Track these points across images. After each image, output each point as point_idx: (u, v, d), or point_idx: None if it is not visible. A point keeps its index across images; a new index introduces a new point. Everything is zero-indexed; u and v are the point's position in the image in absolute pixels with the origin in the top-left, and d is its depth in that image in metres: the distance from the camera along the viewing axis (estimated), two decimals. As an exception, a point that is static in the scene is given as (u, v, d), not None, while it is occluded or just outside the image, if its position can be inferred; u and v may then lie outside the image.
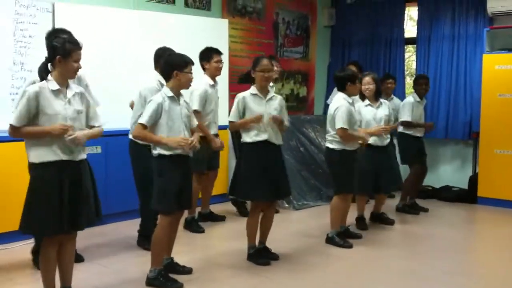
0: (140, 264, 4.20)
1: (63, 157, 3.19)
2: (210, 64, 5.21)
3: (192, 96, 4.99)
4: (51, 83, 3.20)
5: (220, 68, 5.31)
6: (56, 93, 3.19)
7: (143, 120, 3.70)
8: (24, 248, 4.54)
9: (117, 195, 5.29)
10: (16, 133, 3.20)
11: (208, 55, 5.23)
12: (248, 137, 4.27)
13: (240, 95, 4.28)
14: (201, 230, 5.29)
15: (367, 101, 5.30)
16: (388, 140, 5.48)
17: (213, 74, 5.27)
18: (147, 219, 4.64)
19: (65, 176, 3.20)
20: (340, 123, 4.71)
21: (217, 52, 5.28)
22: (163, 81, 4.24)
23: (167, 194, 3.74)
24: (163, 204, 3.78)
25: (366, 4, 8.17)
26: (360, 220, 5.52)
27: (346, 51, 8.42)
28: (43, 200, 3.15)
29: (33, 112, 3.14)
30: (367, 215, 5.62)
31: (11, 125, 3.18)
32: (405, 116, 6.13)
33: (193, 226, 5.31)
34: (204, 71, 5.26)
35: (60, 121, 3.17)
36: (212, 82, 5.25)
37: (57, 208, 3.16)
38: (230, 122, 4.33)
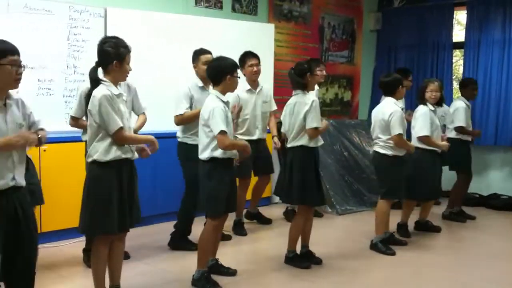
0: (184, 264, 4.28)
1: (124, 156, 3.28)
2: (245, 69, 5.19)
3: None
4: (112, 88, 3.27)
5: (256, 72, 5.22)
6: (118, 97, 3.29)
7: (223, 127, 3.63)
8: (74, 246, 4.69)
9: (162, 196, 5.41)
10: (122, 135, 3.24)
11: (242, 60, 5.20)
12: (311, 142, 4.27)
13: (291, 102, 4.33)
14: (243, 233, 5.33)
15: (431, 107, 5.23)
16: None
17: (250, 78, 5.24)
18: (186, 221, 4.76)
19: (123, 175, 3.30)
20: (396, 129, 4.68)
21: (251, 56, 5.24)
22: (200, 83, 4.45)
23: (218, 198, 3.77)
24: (212, 208, 3.83)
25: (413, 8, 8.06)
26: (402, 227, 5.43)
27: (392, 56, 8.32)
28: (106, 199, 3.24)
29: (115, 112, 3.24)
30: (411, 223, 5.54)
31: (119, 132, 3.22)
32: (459, 121, 6.00)
33: (237, 228, 5.36)
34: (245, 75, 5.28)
35: (125, 124, 3.26)
36: (248, 87, 5.24)
37: (118, 206, 3.26)
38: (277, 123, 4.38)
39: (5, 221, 2.74)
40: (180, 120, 4.64)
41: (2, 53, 2.68)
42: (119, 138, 3.25)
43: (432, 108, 5.22)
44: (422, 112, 5.19)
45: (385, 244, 4.88)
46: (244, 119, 5.21)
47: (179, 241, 4.79)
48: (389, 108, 4.75)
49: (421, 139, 5.05)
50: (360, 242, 5.08)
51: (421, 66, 7.94)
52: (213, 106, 3.69)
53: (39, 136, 2.87)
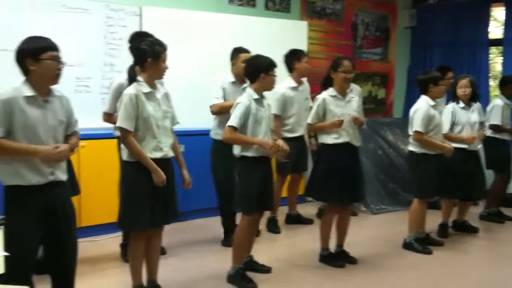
0: (220, 260, 4.30)
1: (156, 155, 3.31)
2: (300, 63, 5.23)
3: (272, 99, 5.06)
4: (144, 86, 3.31)
5: (309, 69, 5.33)
6: (148, 95, 3.30)
7: (233, 122, 3.70)
8: (112, 241, 4.76)
9: (197, 193, 5.43)
10: (126, 137, 3.26)
11: (299, 54, 5.26)
12: (328, 139, 4.25)
13: (320, 97, 4.28)
14: (277, 231, 5.32)
15: (461, 103, 5.12)
16: (481, 145, 5.33)
17: (302, 74, 5.28)
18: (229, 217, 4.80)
19: None
20: (416, 126, 4.63)
21: (304, 53, 5.36)
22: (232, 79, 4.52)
23: (248, 195, 3.78)
24: (243, 205, 3.84)
25: (449, 4, 7.93)
26: (442, 227, 5.34)
27: (427, 53, 8.19)
28: (138, 195, 3.28)
29: (136, 114, 3.25)
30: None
31: (121, 128, 3.27)
32: (495, 119, 5.88)
33: (271, 226, 5.35)
34: (291, 71, 5.27)
35: (152, 123, 3.28)
36: (295, 84, 5.25)
37: (149, 203, 3.29)
38: (308, 124, 4.35)
39: (44, 216, 2.79)
40: (216, 109, 4.66)
41: (42, 48, 2.73)
42: (123, 139, 3.28)
43: (462, 105, 5.07)
44: (445, 110, 5.11)
45: (421, 243, 4.82)
46: (289, 116, 5.21)
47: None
48: (416, 105, 4.73)
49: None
50: (394, 241, 5.02)
51: (457, 63, 7.77)
52: (239, 101, 3.75)
53: (71, 144, 2.93)
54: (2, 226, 2.35)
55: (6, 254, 1.94)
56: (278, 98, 5.10)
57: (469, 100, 5.14)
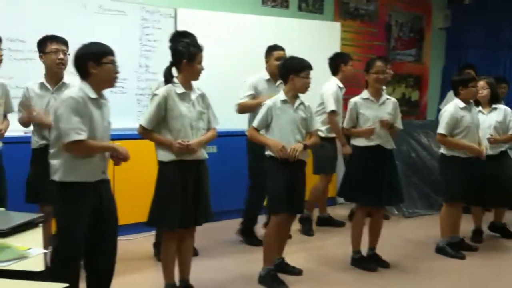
0: (251, 261, 4.31)
1: (186, 157, 3.35)
2: (347, 67, 5.27)
3: (324, 97, 5.08)
4: (178, 87, 3.36)
5: (353, 73, 5.36)
6: (181, 96, 3.35)
7: (255, 123, 3.83)
8: (145, 240, 4.83)
9: (230, 193, 5.48)
10: (144, 134, 3.42)
11: (346, 58, 5.33)
12: (360, 142, 4.24)
13: (352, 101, 4.26)
14: (310, 233, 5.31)
15: (480, 107, 5.02)
16: (502, 149, 5.08)
17: (347, 77, 5.32)
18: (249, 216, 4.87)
19: (188, 174, 3.36)
20: (440, 127, 4.58)
21: (350, 57, 5.40)
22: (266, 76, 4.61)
23: (275, 196, 3.80)
24: (272, 205, 3.88)
25: (484, 5, 7.80)
26: (476, 233, 5.25)
27: (462, 54, 8.08)
28: (168, 196, 3.34)
29: (162, 114, 3.32)
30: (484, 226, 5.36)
31: (141, 125, 3.40)
32: None
33: (305, 227, 5.33)
34: (336, 74, 5.30)
35: (186, 123, 3.33)
36: (341, 85, 5.29)
37: (180, 204, 3.33)
38: (343, 128, 4.38)
39: (91, 211, 2.90)
40: (240, 108, 4.73)
41: (103, 53, 2.88)
42: (139, 131, 3.44)
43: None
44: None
45: (454, 248, 4.76)
46: (338, 114, 5.24)
47: (245, 235, 4.89)
48: (446, 107, 4.69)
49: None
50: (427, 245, 4.97)
51: (493, 65, 7.66)
52: (264, 103, 3.84)
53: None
54: (41, 224, 2.42)
55: (45, 251, 1.99)
56: (332, 94, 5.13)
57: (489, 102, 5.03)
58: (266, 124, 3.80)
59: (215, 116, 3.58)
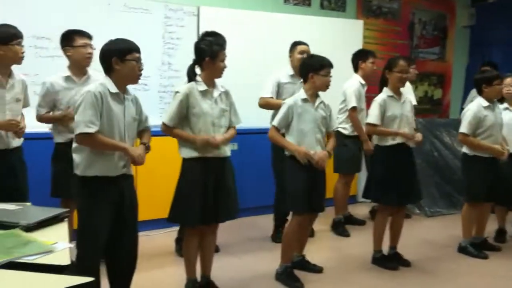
0: (272, 258, 4.32)
1: (209, 154, 3.38)
2: (365, 64, 5.26)
3: (346, 94, 5.09)
4: (200, 85, 3.39)
5: (374, 70, 5.32)
6: (204, 93, 3.38)
7: (275, 122, 3.80)
8: (167, 236, 4.88)
9: (251, 190, 5.50)
10: (167, 131, 3.45)
11: (365, 54, 5.31)
12: (384, 141, 4.21)
13: (380, 98, 4.20)
14: (346, 234, 5.26)
15: (505, 104, 4.95)
16: None
17: (367, 74, 5.30)
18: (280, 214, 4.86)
19: (210, 172, 3.38)
20: (462, 127, 4.52)
21: (372, 54, 5.36)
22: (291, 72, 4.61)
23: (295, 195, 3.79)
24: (291, 204, 3.86)
25: (510, 2, 7.67)
26: (499, 232, 5.19)
27: (486, 52, 7.98)
28: (189, 192, 3.36)
29: (184, 112, 3.35)
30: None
31: (163, 122, 3.43)
32: None
33: (339, 229, 5.32)
34: (357, 71, 5.30)
35: (208, 121, 3.36)
36: (363, 82, 5.28)
37: (201, 201, 3.35)
38: (370, 125, 4.21)
39: (112, 206, 2.94)
40: (262, 102, 4.75)
41: (128, 50, 2.92)
42: (162, 129, 3.46)
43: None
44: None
45: (477, 248, 4.72)
46: (359, 111, 5.22)
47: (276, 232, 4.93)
48: (468, 106, 4.63)
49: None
50: (449, 245, 4.93)
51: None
52: (284, 102, 3.82)
53: (146, 144, 3.18)
54: (66, 219, 2.46)
55: (71, 245, 2.03)
56: (354, 91, 5.12)
57: None
58: (287, 124, 3.78)
59: (237, 115, 3.60)
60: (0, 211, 2.38)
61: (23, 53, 3.45)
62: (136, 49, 2.95)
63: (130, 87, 3.01)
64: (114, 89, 2.91)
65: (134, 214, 3.12)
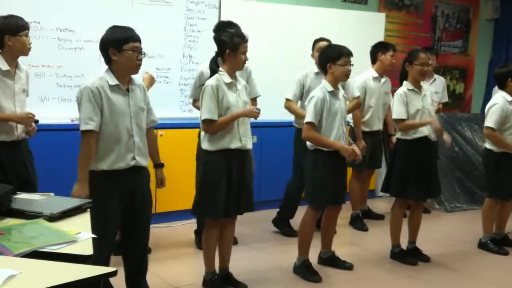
0: (288, 250, 4.34)
1: (234, 145, 3.37)
2: (385, 56, 5.19)
3: (351, 86, 5.03)
4: (225, 77, 3.37)
5: (393, 64, 5.25)
6: (229, 85, 3.37)
7: (310, 118, 3.68)
8: (187, 227, 4.91)
9: (270, 183, 5.51)
10: (210, 128, 3.32)
11: (386, 47, 5.25)
12: (407, 134, 4.17)
13: (401, 91, 4.15)
14: (364, 228, 5.26)
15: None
16: None
17: (386, 67, 5.23)
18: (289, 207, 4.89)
19: (233, 164, 3.38)
20: (489, 121, 4.45)
21: (392, 47, 5.29)
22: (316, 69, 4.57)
23: (322, 189, 3.78)
24: (314, 198, 3.85)
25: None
26: None
27: (510, 46, 7.86)
28: (213, 185, 3.36)
29: (216, 104, 3.31)
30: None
31: (205, 119, 3.31)
32: None
33: (357, 224, 5.32)
34: (374, 63, 5.25)
35: (234, 112, 3.35)
36: (376, 75, 5.21)
37: (224, 193, 3.35)
38: (397, 120, 4.14)
39: (125, 200, 2.92)
40: (287, 106, 4.73)
41: (125, 39, 2.85)
42: (204, 128, 3.35)
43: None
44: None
45: (497, 244, 4.68)
46: (367, 108, 5.18)
47: (280, 225, 4.92)
48: (493, 101, 4.56)
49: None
50: (469, 241, 4.90)
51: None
52: (312, 96, 3.74)
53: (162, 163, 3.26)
54: (89, 209, 2.50)
55: (94, 236, 2.06)
56: (358, 85, 5.07)
57: None
58: (320, 118, 3.71)
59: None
60: (24, 201, 2.42)
61: (30, 44, 3.47)
62: (134, 38, 2.87)
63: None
64: (113, 81, 2.87)
65: (146, 209, 3.06)
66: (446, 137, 4.54)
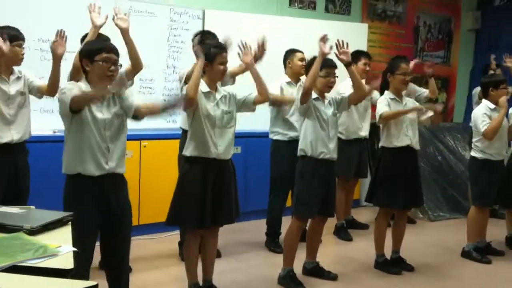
0: (274, 262, 4.33)
1: (210, 155, 3.36)
2: (357, 66, 5.21)
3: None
4: (203, 86, 3.39)
5: (367, 71, 5.27)
6: (207, 94, 3.39)
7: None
8: (170, 239, 4.88)
9: (254, 194, 5.50)
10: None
11: (357, 56, 5.24)
12: (390, 143, 4.20)
13: (384, 98, 4.19)
14: (349, 238, 5.26)
15: None
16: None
17: (360, 76, 5.22)
18: (274, 219, 4.85)
19: (209, 173, 3.37)
20: (480, 128, 4.48)
21: (366, 55, 5.32)
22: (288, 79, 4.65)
23: (308, 200, 3.79)
24: (300, 208, 3.86)
25: (517, 6, 7.68)
26: (510, 239, 5.14)
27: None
28: (187, 194, 3.35)
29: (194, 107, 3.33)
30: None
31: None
32: None
33: (342, 233, 5.32)
34: None
35: (209, 122, 3.35)
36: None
37: (198, 203, 3.33)
38: (382, 116, 4.14)
39: (100, 208, 2.85)
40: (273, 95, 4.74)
41: (97, 50, 2.84)
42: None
43: None
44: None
45: (480, 252, 4.71)
46: (352, 115, 5.20)
47: (270, 242, 4.90)
48: (475, 110, 4.64)
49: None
50: (453, 249, 4.93)
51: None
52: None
53: None
54: (70, 222, 2.46)
55: (75, 249, 2.03)
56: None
57: None
58: (307, 110, 3.76)
59: (251, 96, 3.59)
60: (3, 214, 2.38)
61: (23, 54, 3.52)
62: (107, 49, 2.84)
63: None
64: (88, 90, 2.84)
65: (124, 217, 2.99)
66: (438, 106, 4.60)
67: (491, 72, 6.09)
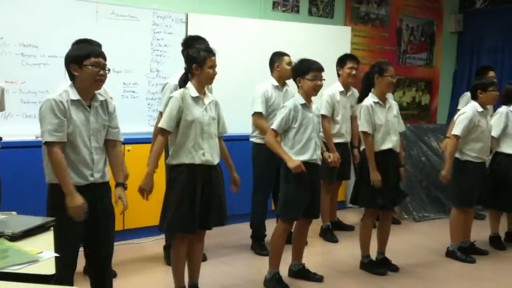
0: (260, 264, 4.34)
1: (197, 160, 3.36)
2: (343, 70, 5.25)
3: (321, 100, 5.07)
4: (191, 90, 3.38)
5: (353, 75, 5.27)
6: (195, 99, 3.38)
7: (275, 126, 3.78)
8: (155, 243, 4.87)
9: (238, 197, 5.47)
10: (163, 135, 3.36)
11: (343, 60, 5.28)
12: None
13: (365, 104, 4.20)
14: (334, 240, 5.28)
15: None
16: None
17: (345, 81, 5.26)
18: (259, 222, 4.85)
19: (198, 179, 3.37)
20: (456, 129, 4.56)
21: (352, 59, 5.30)
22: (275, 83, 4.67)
23: (294, 202, 3.80)
24: (286, 211, 3.86)
25: (498, 9, 7.76)
26: (494, 239, 5.19)
27: (474, 58, 8.06)
28: (179, 200, 3.34)
29: (179, 115, 3.31)
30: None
31: (160, 128, 3.35)
32: None
33: (327, 235, 5.33)
34: (338, 77, 5.31)
35: (198, 127, 3.35)
36: (341, 89, 5.25)
37: (188, 208, 3.33)
38: (364, 133, 4.19)
39: (85, 216, 2.82)
40: (255, 122, 4.75)
41: (86, 55, 2.83)
42: (158, 133, 3.40)
43: None
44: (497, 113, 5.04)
45: (464, 252, 4.75)
46: (336, 120, 5.21)
47: (255, 245, 4.90)
48: (462, 110, 4.69)
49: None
50: (437, 250, 4.96)
51: (505, 69, 7.62)
52: (284, 105, 3.85)
53: (125, 185, 3.15)
54: (52, 228, 2.45)
55: (57, 255, 2.02)
56: (326, 99, 5.12)
57: None
58: (287, 127, 3.78)
59: (225, 125, 3.60)
60: (-15, 220, 2.36)
61: None
62: (95, 53, 2.84)
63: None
64: (75, 96, 2.83)
65: (108, 224, 3.01)
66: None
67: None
